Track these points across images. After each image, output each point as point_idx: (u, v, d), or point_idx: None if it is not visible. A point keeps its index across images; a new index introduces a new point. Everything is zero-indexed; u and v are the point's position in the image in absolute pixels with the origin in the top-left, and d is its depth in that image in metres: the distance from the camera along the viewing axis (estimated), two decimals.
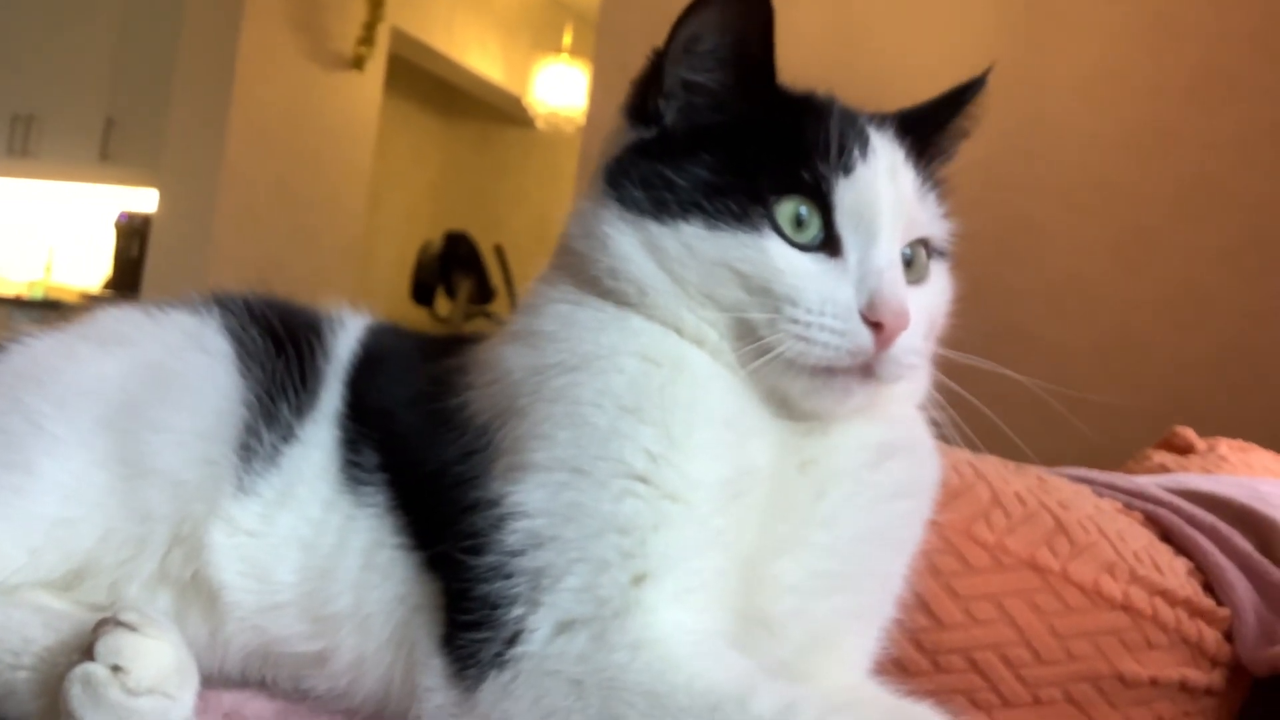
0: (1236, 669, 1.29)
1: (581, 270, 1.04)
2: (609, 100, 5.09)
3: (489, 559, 0.94)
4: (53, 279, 7.55)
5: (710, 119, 1.03)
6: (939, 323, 1.09)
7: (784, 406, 1.01)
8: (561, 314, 1.03)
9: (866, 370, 0.98)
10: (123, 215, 7.25)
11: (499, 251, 8.19)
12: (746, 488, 0.97)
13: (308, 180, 7.01)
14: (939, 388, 1.09)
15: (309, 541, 1.06)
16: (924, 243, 1.07)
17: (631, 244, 1.01)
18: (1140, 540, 1.31)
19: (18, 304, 7.09)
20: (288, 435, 1.10)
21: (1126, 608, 1.23)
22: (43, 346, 1.17)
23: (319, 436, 1.10)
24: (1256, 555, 1.34)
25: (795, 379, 0.99)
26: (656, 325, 1.01)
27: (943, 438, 1.09)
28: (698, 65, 1.03)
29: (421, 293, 8.18)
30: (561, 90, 8.06)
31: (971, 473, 1.27)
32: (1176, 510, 1.39)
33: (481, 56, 8.59)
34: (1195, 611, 1.27)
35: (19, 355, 1.16)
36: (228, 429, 1.09)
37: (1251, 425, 2.62)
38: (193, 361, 1.12)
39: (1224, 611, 1.29)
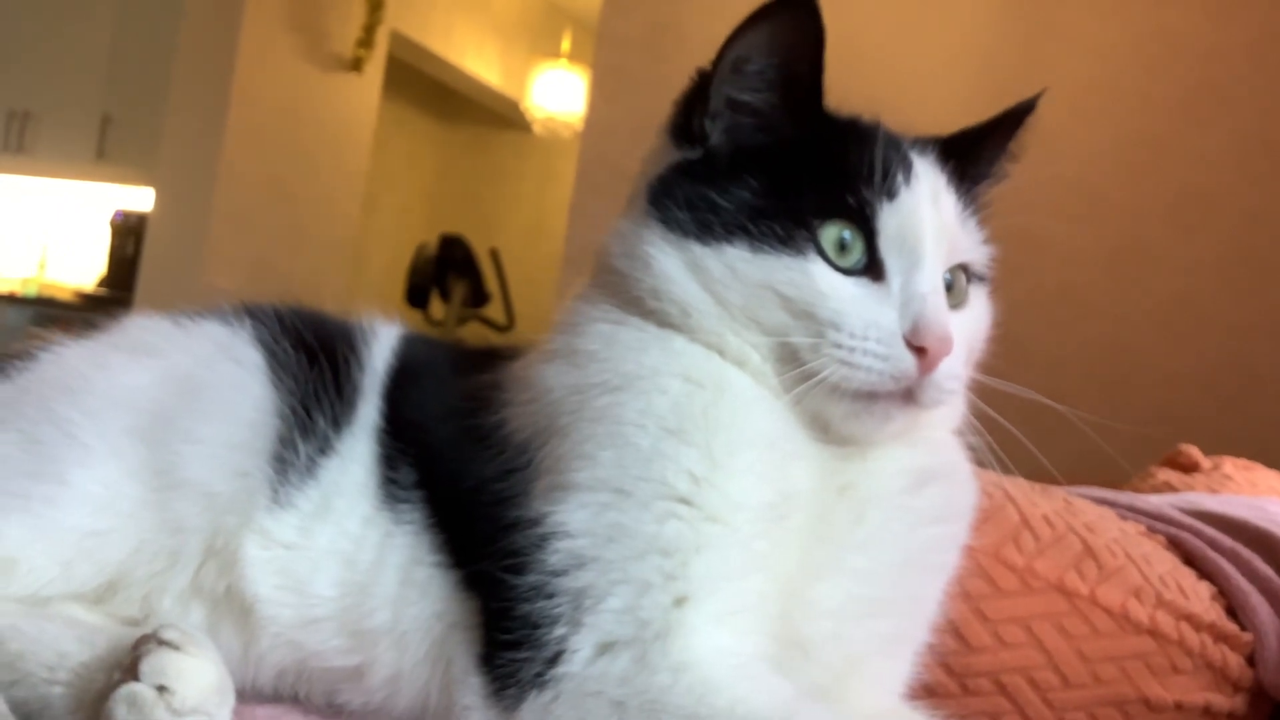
0: (1258, 693, 1.30)
1: (623, 290, 1.04)
2: (607, 106, 5.13)
3: (530, 578, 0.95)
4: (47, 276, 7.53)
5: (756, 140, 1.03)
6: (978, 348, 1.09)
7: (824, 430, 1.01)
8: (603, 333, 1.03)
9: (908, 395, 0.98)
10: (118, 214, 7.23)
11: (494, 255, 8.19)
12: (788, 511, 0.98)
13: (304, 181, 7.00)
14: (974, 411, 1.10)
15: (349, 556, 1.05)
16: (964, 268, 1.07)
17: (675, 265, 1.02)
18: (1165, 564, 1.32)
19: (11, 301, 7.06)
20: (325, 447, 1.09)
21: (1153, 632, 1.24)
22: (74, 355, 1.16)
23: (357, 450, 1.09)
24: (1278, 580, 1.34)
25: (837, 403, 0.99)
26: (699, 346, 1.01)
27: (978, 461, 1.10)
28: (745, 85, 1.03)
29: (416, 295, 8.16)
30: (559, 95, 8.07)
31: (1001, 495, 1.28)
32: (1198, 534, 1.40)
33: (480, 60, 8.59)
34: (1219, 636, 1.28)
35: (50, 364, 1.15)
36: (261, 440, 1.09)
37: (1244, 439, 2.64)
38: (224, 372, 1.12)
39: (1247, 636, 1.29)
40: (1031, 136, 1.15)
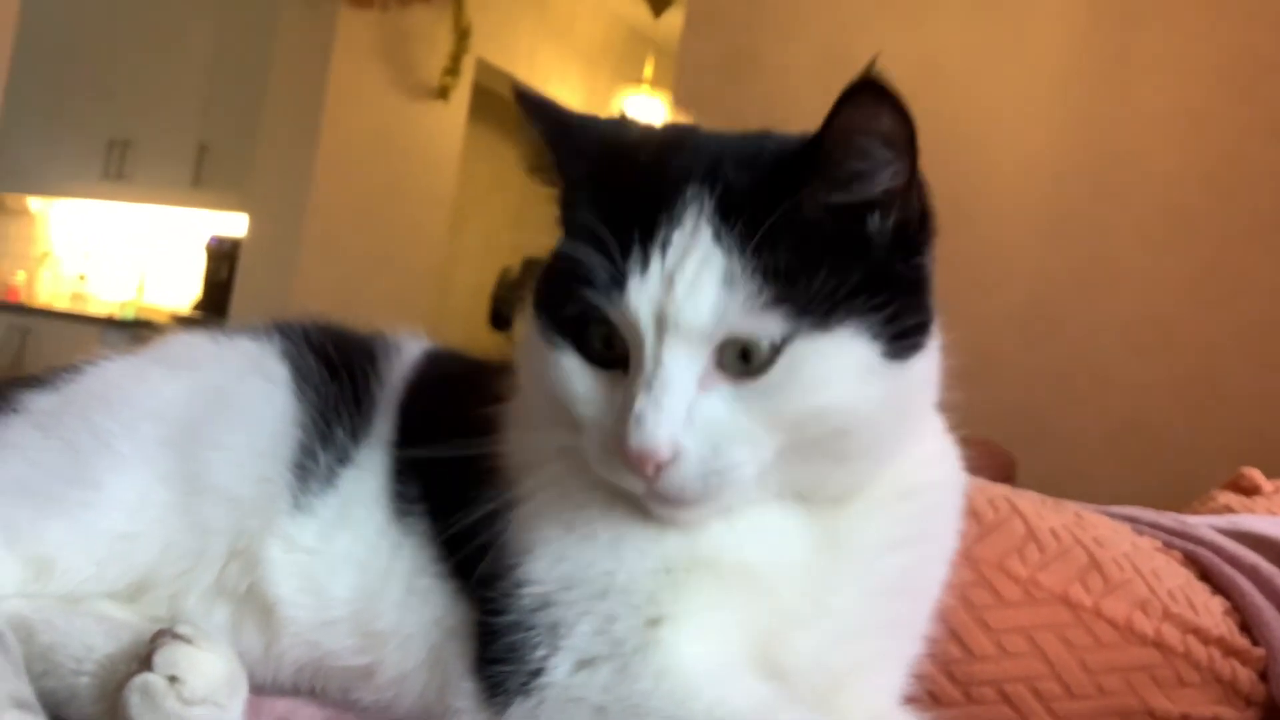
0: (1271, 709, 1.29)
1: None
2: None
3: (509, 618, 0.99)
4: (144, 300, 7.76)
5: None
6: (821, 414, 0.93)
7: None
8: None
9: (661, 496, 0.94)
10: (213, 239, 7.44)
11: None
12: (739, 569, 0.99)
13: (392, 206, 7.13)
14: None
15: (364, 562, 1.10)
16: (744, 341, 0.92)
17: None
18: (1177, 578, 1.32)
19: (110, 324, 7.27)
20: (343, 457, 1.14)
21: (1159, 644, 1.25)
22: (115, 369, 1.23)
23: (373, 461, 1.14)
24: None
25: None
26: None
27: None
28: None
29: (499, 319, 8.26)
30: (643, 119, 8.11)
31: (1007, 507, 1.30)
32: (1218, 550, 1.40)
33: (564, 86, 8.69)
34: (1229, 650, 1.28)
35: (93, 377, 1.22)
36: (282, 449, 1.14)
37: None
38: (252, 385, 1.17)
39: (1259, 651, 1.29)
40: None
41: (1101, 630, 1.24)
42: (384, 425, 1.16)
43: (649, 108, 8.12)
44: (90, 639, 1.04)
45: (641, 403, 0.90)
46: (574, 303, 0.94)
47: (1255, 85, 4.23)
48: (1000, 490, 1.29)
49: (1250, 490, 2.16)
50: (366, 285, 6.80)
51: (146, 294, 7.83)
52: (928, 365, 1.00)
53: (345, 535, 1.12)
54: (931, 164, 0.96)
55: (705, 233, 0.92)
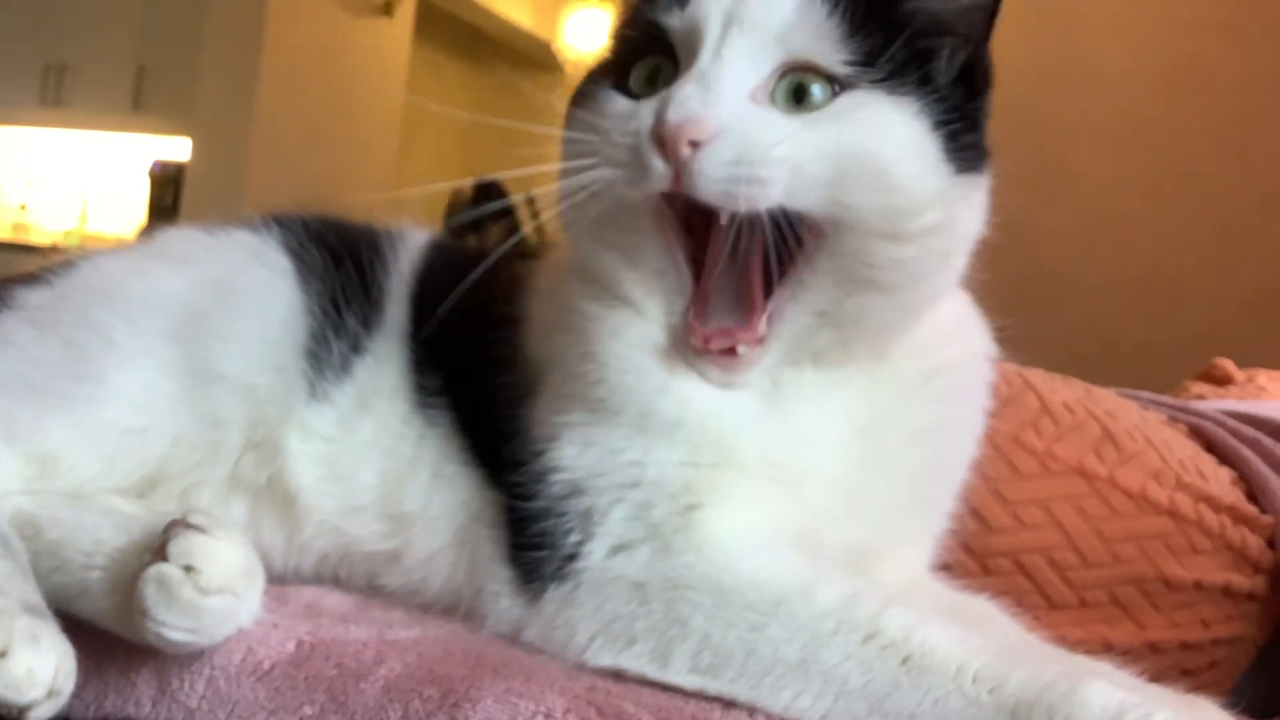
0: (1278, 574, 1.31)
1: None
2: None
3: (539, 504, 0.98)
4: (88, 228, 7.61)
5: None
6: (864, 165, 0.91)
7: (813, 364, 0.99)
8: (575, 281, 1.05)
9: (675, 193, 0.91)
10: (156, 164, 7.29)
11: (530, 202, 8.18)
12: (780, 459, 0.98)
13: (339, 126, 7.03)
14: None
15: (391, 449, 1.09)
16: (811, 68, 0.93)
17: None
18: (1186, 450, 1.33)
19: (54, 253, 7.10)
20: (357, 346, 1.12)
21: (1172, 513, 1.26)
22: (110, 263, 1.21)
23: (389, 352, 1.12)
24: None
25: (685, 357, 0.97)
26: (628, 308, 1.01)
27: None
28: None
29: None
30: (591, 35, 8.02)
31: (1020, 382, 1.30)
32: (1221, 423, 1.42)
33: (510, 1, 8.56)
34: (1239, 518, 1.29)
35: (88, 271, 1.19)
36: (293, 338, 1.12)
37: None
38: (256, 275, 1.15)
39: (1267, 519, 1.31)
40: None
41: (1117, 500, 1.25)
42: (397, 315, 1.15)
43: (598, 22, 8.00)
44: (99, 533, 1.01)
45: (690, 86, 0.90)
46: (626, 41, 0.97)
47: None
48: (1010, 366, 1.29)
49: (1223, 380, 2.19)
50: (316, 206, 6.69)
51: (90, 222, 7.68)
52: (978, 201, 0.99)
53: (367, 424, 1.10)
54: None
55: None
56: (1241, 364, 2.21)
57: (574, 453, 0.98)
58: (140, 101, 7.16)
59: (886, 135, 0.91)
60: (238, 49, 6.56)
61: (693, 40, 0.93)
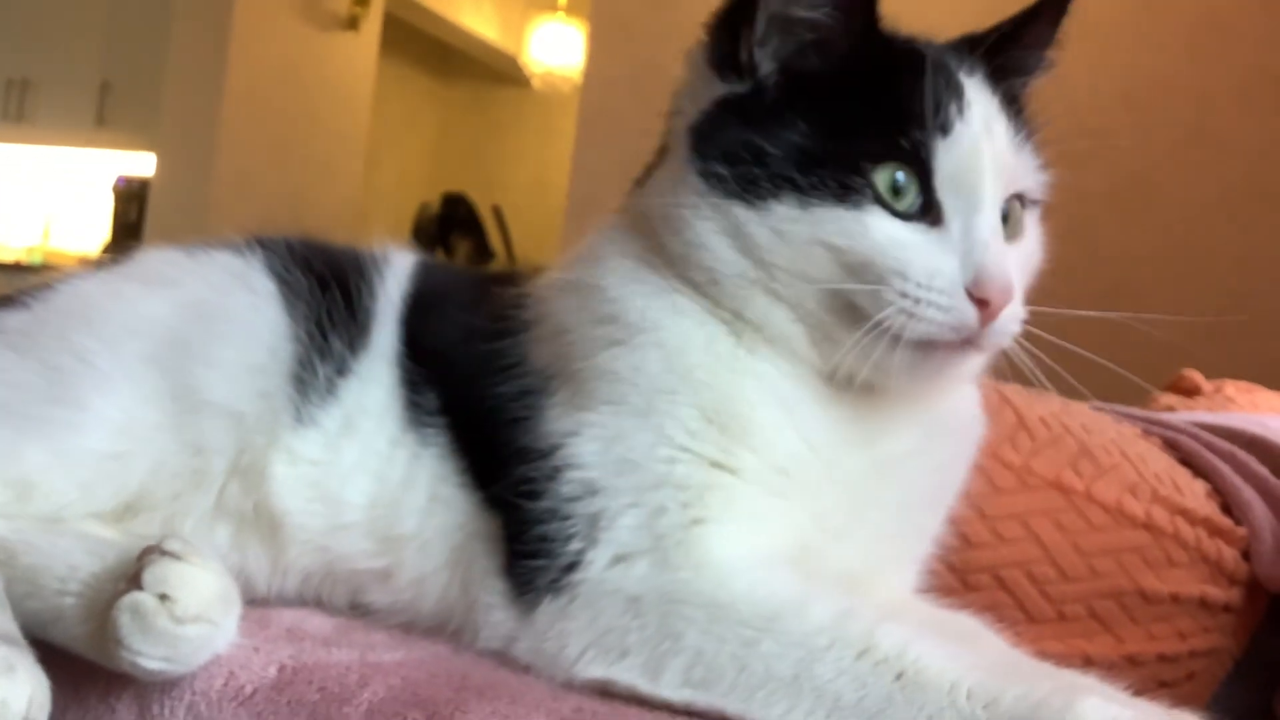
0: (1254, 587, 1.32)
1: (652, 237, 1.04)
2: (606, 58, 5.08)
3: (544, 504, 0.97)
4: (51, 244, 7.56)
5: (808, 65, 0.98)
6: (1030, 278, 1.05)
7: (869, 385, 0.99)
8: (619, 278, 1.04)
9: (967, 343, 0.96)
10: (120, 180, 7.26)
11: (497, 212, 8.18)
12: (798, 470, 0.99)
13: (304, 142, 7.01)
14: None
15: (378, 472, 1.08)
16: (1019, 197, 1.02)
17: (712, 230, 0.98)
18: (1161, 463, 1.34)
19: (16, 270, 7.08)
20: (342, 368, 1.11)
21: (1149, 526, 1.27)
22: (89, 287, 1.18)
23: (377, 373, 1.12)
24: (1273, 479, 1.36)
25: (894, 353, 0.95)
26: (700, 307, 1.01)
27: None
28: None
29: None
30: (558, 49, 8.02)
31: (997, 398, 1.30)
32: (1194, 436, 1.42)
33: (477, 16, 8.57)
34: (1214, 530, 1.30)
35: (66, 295, 1.17)
36: (279, 363, 1.11)
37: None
38: (240, 299, 1.14)
39: (1242, 531, 1.32)
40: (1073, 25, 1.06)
41: (1094, 514, 1.26)
42: (385, 337, 1.14)
43: (565, 36, 8.01)
44: (73, 558, 1.00)
45: (994, 246, 0.95)
46: (878, 139, 0.96)
47: None
48: (987, 381, 1.30)
49: (1191, 391, 2.21)
50: (282, 222, 6.66)
51: (53, 238, 7.63)
52: None
53: (353, 446, 1.09)
54: None
55: (990, 94, 1.01)
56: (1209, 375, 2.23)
57: (596, 449, 0.97)
58: (104, 117, 7.14)
59: (1040, 247, 1.07)
60: (202, 64, 6.54)
61: (965, 178, 0.96)
